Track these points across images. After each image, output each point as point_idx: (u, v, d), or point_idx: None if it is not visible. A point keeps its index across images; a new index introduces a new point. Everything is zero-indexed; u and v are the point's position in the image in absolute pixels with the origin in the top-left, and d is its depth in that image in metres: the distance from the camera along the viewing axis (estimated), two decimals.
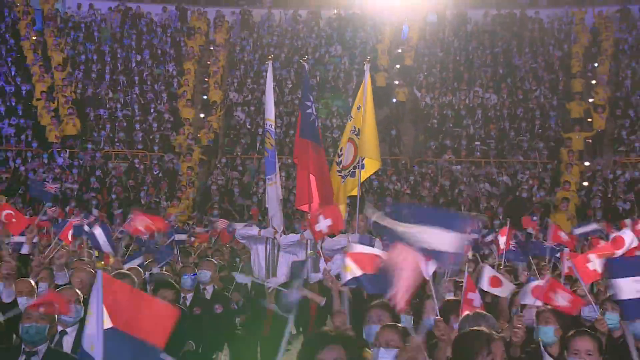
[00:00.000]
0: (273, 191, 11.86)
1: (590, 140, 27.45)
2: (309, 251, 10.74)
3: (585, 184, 25.38)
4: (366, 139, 11.68)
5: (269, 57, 13.40)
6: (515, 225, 15.74)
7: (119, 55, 32.02)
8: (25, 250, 8.39)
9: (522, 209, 23.41)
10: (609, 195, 24.54)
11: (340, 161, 12.12)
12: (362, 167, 11.94)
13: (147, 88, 30.31)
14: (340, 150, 12.20)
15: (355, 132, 12.04)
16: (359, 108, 12.07)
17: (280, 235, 11.16)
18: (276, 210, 11.77)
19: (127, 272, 7.79)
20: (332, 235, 11.19)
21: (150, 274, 10.04)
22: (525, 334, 6.34)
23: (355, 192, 12.05)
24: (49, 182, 20.05)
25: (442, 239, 4.30)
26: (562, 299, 6.91)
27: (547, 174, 26.19)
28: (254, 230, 11.47)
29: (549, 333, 6.15)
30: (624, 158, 26.53)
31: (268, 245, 11.09)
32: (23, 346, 5.63)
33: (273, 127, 12.26)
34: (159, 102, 29.51)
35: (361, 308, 7.19)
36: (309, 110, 11.63)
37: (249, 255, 12.04)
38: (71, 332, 6.45)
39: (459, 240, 4.38)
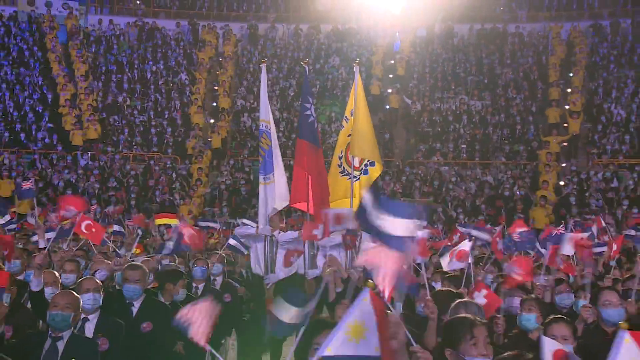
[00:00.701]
0: (270, 190, 10.90)
1: (566, 143, 27.42)
2: (307, 248, 10.19)
3: (562, 183, 25.42)
4: (360, 139, 10.60)
5: (263, 61, 12.37)
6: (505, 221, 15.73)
7: (136, 66, 32.03)
8: (42, 245, 8.36)
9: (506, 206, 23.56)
10: (585, 194, 24.60)
11: (341, 163, 11.06)
12: (373, 164, 11.09)
13: (162, 96, 30.38)
14: (341, 152, 11.05)
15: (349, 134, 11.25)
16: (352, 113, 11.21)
17: (279, 233, 10.40)
18: (268, 208, 10.81)
19: (140, 263, 7.73)
20: None
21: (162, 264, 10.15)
22: (505, 324, 6.31)
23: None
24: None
25: (399, 226, 4.21)
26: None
27: (527, 174, 26.23)
28: (251, 229, 10.66)
29: (531, 320, 6.08)
30: (596, 159, 26.55)
31: (267, 243, 10.34)
32: (50, 331, 5.57)
33: (269, 128, 11.22)
34: (172, 108, 29.59)
35: None
36: (308, 112, 10.88)
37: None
38: (92, 318, 6.35)
39: (412, 227, 4.26)
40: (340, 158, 11.00)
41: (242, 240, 10.97)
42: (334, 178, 11.05)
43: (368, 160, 10.94)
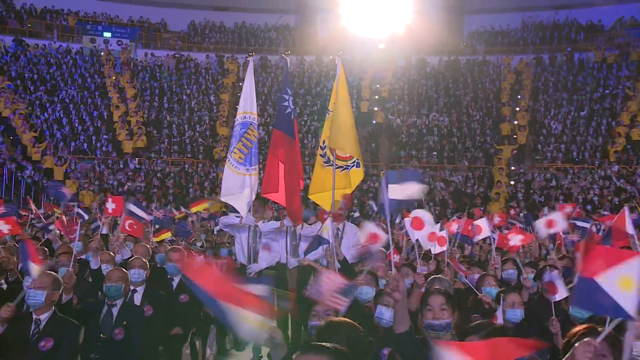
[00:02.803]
0: (254, 180, 8.95)
1: (515, 151, 27.50)
2: (288, 238, 8.53)
3: (512, 182, 25.46)
4: (338, 132, 8.11)
5: (250, 55, 10.03)
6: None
7: (173, 90, 32.08)
8: (104, 231, 8.45)
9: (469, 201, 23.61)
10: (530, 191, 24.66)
11: (325, 153, 8.51)
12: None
13: (194, 113, 30.39)
14: (324, 143, 8.57)
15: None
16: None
17: (262, 223, 8.56)
18: (245, 197, 8.78)
19: (180, 247, 7.77)
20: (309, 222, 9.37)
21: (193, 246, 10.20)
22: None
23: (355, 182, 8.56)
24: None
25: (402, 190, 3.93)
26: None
27: (484, 175, 26.25)
28: (235, 219, 8.71)
29: (492, 293, 6.04)
30: (539, 164, 26.58)
31: (250, 233, 8.42)
32: (106, 300, 5.65)
33: (256, 120, 9.32)
34: (202, 123, 29.61)
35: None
36: (285, 103, 8.66)
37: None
38: (140, 290, 6.43)
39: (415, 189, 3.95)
40: (322, 148, 8.63)
41: (226, 229, 9.50)
42: (317, 169, 8.68)
43: (356, 159, 8.48)
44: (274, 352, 3.24)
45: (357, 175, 8.41)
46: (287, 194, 8.29)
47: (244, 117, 9.27)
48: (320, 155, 8.59)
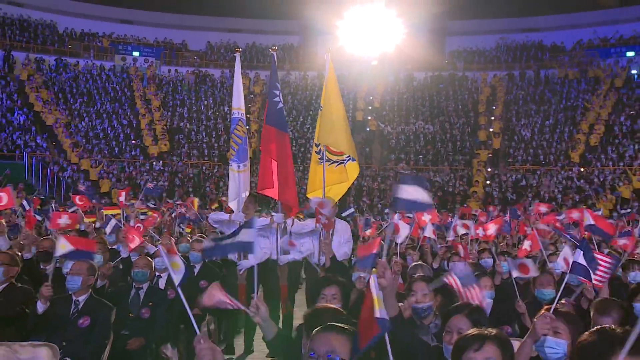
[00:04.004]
0: (245, 178, 7.73)
1: (491, 155, 27.52)
2: (278, 235, 7.12)
3: (488, 182, 25.47)
4: (328, 128, 7.09)
5: (237, 50, 8.59)
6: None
7: (193, 101, 32.08)
8: (131, 223, 8.34)
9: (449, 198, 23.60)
10: (503, 190, 24.68)
11: (319, 150, 7.25)
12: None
13: (210, 121, 30.40)
14: (318, 140, 7.41)
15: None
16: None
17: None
18: (237, 196, 7.60)
19: (202, 239, 7.47)
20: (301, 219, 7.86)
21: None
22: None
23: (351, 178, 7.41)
24: (152, 183, 20.13)
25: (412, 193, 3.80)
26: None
27: (464, 176, 26.27)
28: (225, 215, 7.56)
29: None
30: (511, 166, 26.59)
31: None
32: (134, 284, 5.68)
33: (244, 116, 8.07)
34: (218, 130, 29.61)
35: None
36: (276, 99, 7.37)
37: None
38: (164, 276, 6.35)
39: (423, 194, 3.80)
40: (317, 145, 7.36)
41: (216, 226, 7.94)
42: (313, 167, 7.45)
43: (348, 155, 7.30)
44: (264, 326, 3.13)
45: (353, 168, 7.27)
46: (280, 185, 7.05)
47: (234, 114, 8.08)
48: (315, 152, 7.41)
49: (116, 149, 26.92)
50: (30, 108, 27.72)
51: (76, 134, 27.12)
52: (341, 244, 6.69)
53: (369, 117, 30.83)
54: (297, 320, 5.92)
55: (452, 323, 3.03)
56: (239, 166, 7.68)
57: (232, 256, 7.03)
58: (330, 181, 7.03)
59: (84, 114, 28.81)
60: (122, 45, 35.44)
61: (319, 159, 7.24)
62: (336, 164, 7.12)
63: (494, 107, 30.88)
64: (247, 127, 10.26)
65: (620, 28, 32.52)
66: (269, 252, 7.03)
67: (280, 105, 7.42)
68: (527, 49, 35.32)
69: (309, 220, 7.00)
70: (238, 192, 7.52)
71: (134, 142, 27.46)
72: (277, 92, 7.38)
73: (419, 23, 33.93)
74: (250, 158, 8.17)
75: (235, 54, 8.36)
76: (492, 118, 29.87)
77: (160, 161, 26.53)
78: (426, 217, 7.82)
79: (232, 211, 7.60)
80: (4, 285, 4.99)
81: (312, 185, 7.38)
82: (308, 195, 7.40)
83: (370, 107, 32.01)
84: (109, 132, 28.06)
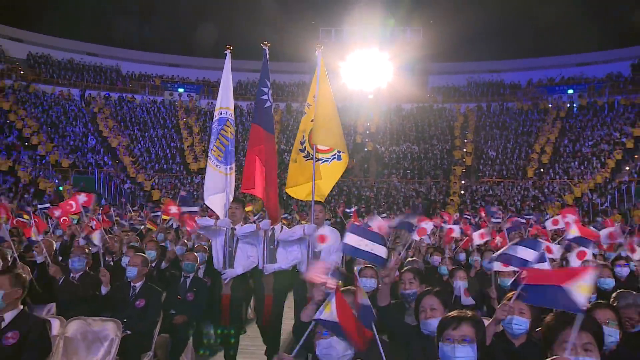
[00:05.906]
0: (229, 180, 5.75)
1: (464, 170, 27.42)
2: (266, 243, 5.51)
3: (462, 192, 25.37)
4: (321, 127, 5.27)
5: (227, 47, 5.91)
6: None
7: None
8: (175, 225, 8.23)
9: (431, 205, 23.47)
10: (475, 199, 24.54)
11: (304, 148, 5.50)
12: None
13: (239, 142, 30.43)
14: (303, 138, 5.55)
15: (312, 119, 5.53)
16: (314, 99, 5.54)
17: (240, 226, 5.48)
18: (222, 199, 5.67)
19: None
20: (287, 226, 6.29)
21: None
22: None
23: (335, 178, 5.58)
24: (184, 191, 20.21)
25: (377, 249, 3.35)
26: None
27: (443, 187, 26.15)
28: (210, 221, 5.59)
29: (443, 270, 5.98)
30: (480, 179, 26.50)
31: (227, 237, 5.39)
32: (183, 273, 5.64)
33: (232, 115, 5.95)
34: (244, 149, 29.55)
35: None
36: (265, 97, 5.67)
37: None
38: (202, 267, 6.24)
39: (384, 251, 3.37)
40: (302, 143, 5.54)
41: (202, 232, 6.13)
42: (298, 163, 5.56)
43: (338, 150, 5.48)
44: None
45: (339, 167, 5.51)
46: (266, 190, 5.49)
47: (221, 113, 5.97)
48: (299, 150, 5.56)
49: (164, 166, 27.06)
50: (100, 134, 28.30)
51: (134, 154, 27.37)
52: (330, 253, 5.24)
53: (367, 140, 30.78)
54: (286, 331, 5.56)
55: (424, 302, 3.06)
56: (226, 168, 5.77)
57: (216, 264, 5.50)
58: (317, 177, 5.40)
59: (140, 138, 29.09)
60: (170, 83, 35.84)
61: (304, 156, 5.53)
62: (321, 161, 5.45)
63: (466, 132, 30.82)
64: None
65: (563, 71, 33.92)
66: (256, 261, 5.51)
67: (268, 104, 5.72)
68: (492, 86, 35.36)
69: (297, 227, 5.51)
70: (225, 194, 5.66)
71: (178, 160, 27.46)
72: (266, 90, 5.74)
73: (406, 64, 34.23)
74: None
75: (225, 51, 5.97)
76: (465, 141, 29.83)
77: (199, 175, 26.63)
78: (427, 225, 6.94)
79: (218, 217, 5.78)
80: (80, 273, 5.19)
81: (292, 180, 5.63)
82: (287, 191, 5.66)
83: (367, 132, 31.90)
84: (159, 152, 28.24)
